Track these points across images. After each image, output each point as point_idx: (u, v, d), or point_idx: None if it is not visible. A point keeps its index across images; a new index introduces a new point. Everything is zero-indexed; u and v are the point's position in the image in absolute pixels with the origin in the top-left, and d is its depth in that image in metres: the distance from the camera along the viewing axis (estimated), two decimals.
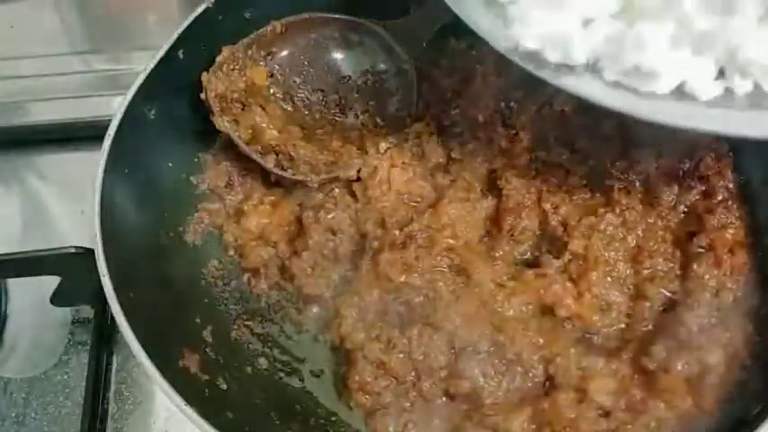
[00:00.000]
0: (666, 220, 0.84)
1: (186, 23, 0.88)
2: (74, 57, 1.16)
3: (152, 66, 0.86)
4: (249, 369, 0.82)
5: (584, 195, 0.86)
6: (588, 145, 0.88)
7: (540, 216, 0.86)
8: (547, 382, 0.79)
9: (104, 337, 0.93)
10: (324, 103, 0.95)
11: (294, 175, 0.91)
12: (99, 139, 0.81)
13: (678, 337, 0.78)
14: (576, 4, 0.63)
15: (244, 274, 0.88)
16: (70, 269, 0.89)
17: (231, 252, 0.89)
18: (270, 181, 0.93)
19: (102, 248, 0.75)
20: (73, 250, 0.88)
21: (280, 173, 0.91)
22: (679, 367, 0.76)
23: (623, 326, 0.81)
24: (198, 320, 0.82)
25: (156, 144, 0.87)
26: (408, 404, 0.78)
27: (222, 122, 0.89)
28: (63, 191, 1.08)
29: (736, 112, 0.62)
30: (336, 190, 0.91)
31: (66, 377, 0.90)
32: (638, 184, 0.85)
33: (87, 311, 0.94)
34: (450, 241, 0.86)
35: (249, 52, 0.92)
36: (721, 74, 0.63)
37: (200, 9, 0.89)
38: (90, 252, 0.77)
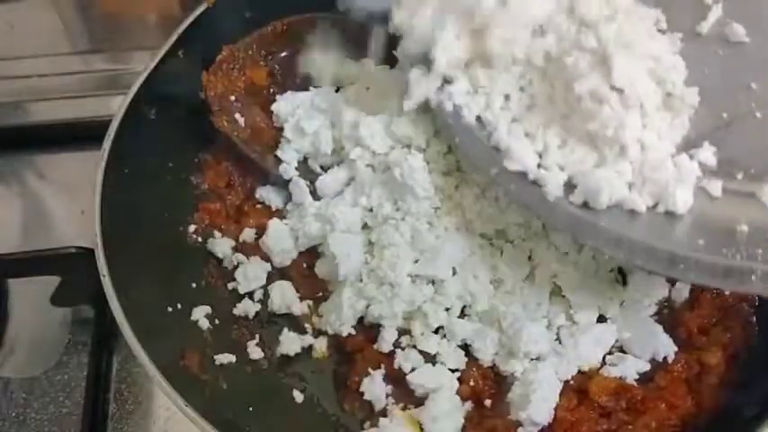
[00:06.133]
0: None
1: (186, 23, 0.88)
2: (74, 57, 1.16)
3: (152, 66, 0.86)
4: (249, 369, 0.81)
5: None
6: None
7: None
8: None
9: (104, 337, 0.93)
10: None
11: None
12: (99, 139, 0.82)
13: (678, 337, 0.78)
14: None
15: None
16: (70, 269, 0.89)
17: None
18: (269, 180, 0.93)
19: (102, 248, 0.75)
20: (73, 250, 0.88)
21: (279, 173, 0.91)
22: (679, 367, 0.76)
23: None
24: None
25: (156, 144, 0.87)
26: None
27: (221, 122, 0.89)
28: (63, 191, 1.08)
29: None
30: None
31: (66, 377, 0.90)
32: None
33: (87, 311, 0.94)
34: None
35: (249, 52, 0.92)
36: None
37: (200, 9, 0.89)
38: (90, 252, 0.77)
